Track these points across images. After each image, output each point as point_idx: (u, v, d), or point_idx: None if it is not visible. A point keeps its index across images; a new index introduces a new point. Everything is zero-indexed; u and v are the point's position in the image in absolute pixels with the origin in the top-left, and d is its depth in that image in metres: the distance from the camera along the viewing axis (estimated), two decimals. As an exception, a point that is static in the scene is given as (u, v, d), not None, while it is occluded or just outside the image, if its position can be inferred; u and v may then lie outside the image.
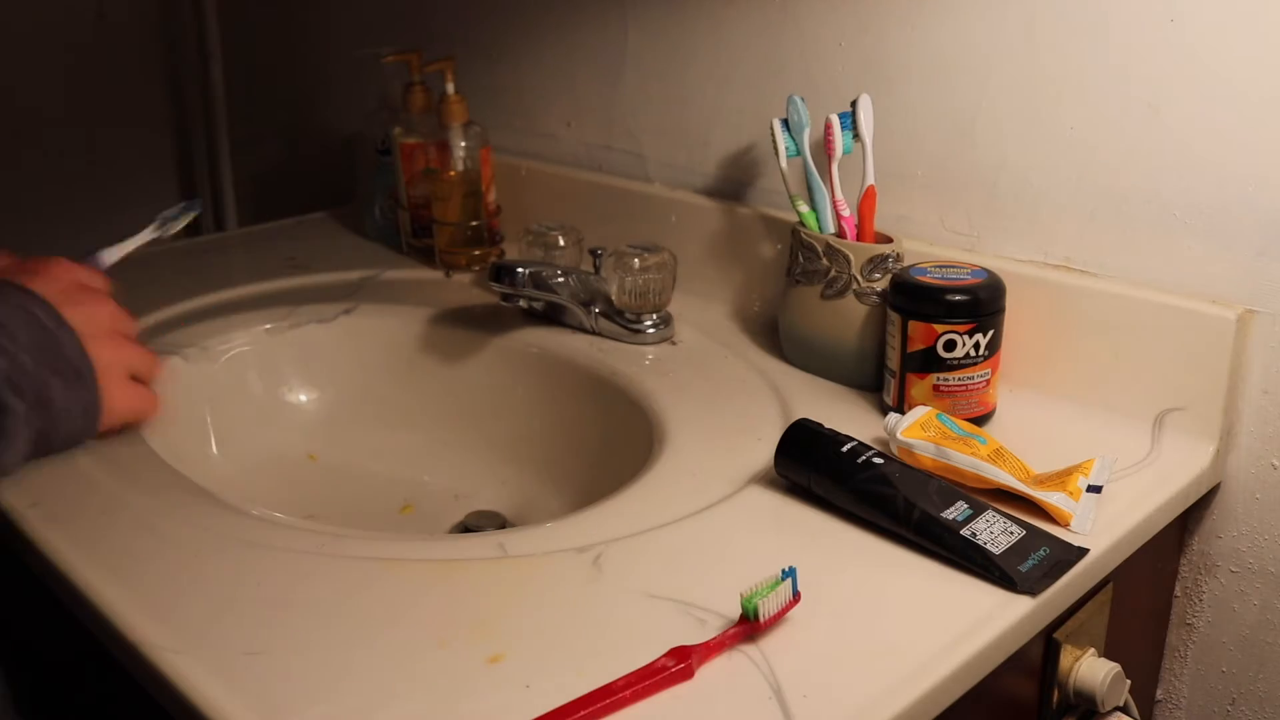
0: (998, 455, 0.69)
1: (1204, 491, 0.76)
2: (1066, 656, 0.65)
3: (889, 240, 0.84)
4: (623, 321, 0.94)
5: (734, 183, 1.02)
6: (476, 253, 1.12)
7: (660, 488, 0.71)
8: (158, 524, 0.66)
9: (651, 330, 0.94)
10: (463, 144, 1.10)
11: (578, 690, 0.51)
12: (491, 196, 1.14)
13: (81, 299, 0.60)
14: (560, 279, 0.94)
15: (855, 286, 0.82)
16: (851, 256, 0.82)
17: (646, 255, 0.93)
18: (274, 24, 1.56)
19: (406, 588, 0.60)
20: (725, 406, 0.82)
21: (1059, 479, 0.68)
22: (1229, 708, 0.81)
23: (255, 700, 0.51)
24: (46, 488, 0.70)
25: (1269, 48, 0.68)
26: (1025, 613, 0.58)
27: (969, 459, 0.68)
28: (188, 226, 0.83)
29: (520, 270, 0.92)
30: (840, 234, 0.85)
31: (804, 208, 0.86)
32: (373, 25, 1.39)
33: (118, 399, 0.59)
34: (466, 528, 0.86)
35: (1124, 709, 0.68)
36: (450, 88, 1.10)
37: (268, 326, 0.99)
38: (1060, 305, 0.80)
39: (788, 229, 0.89)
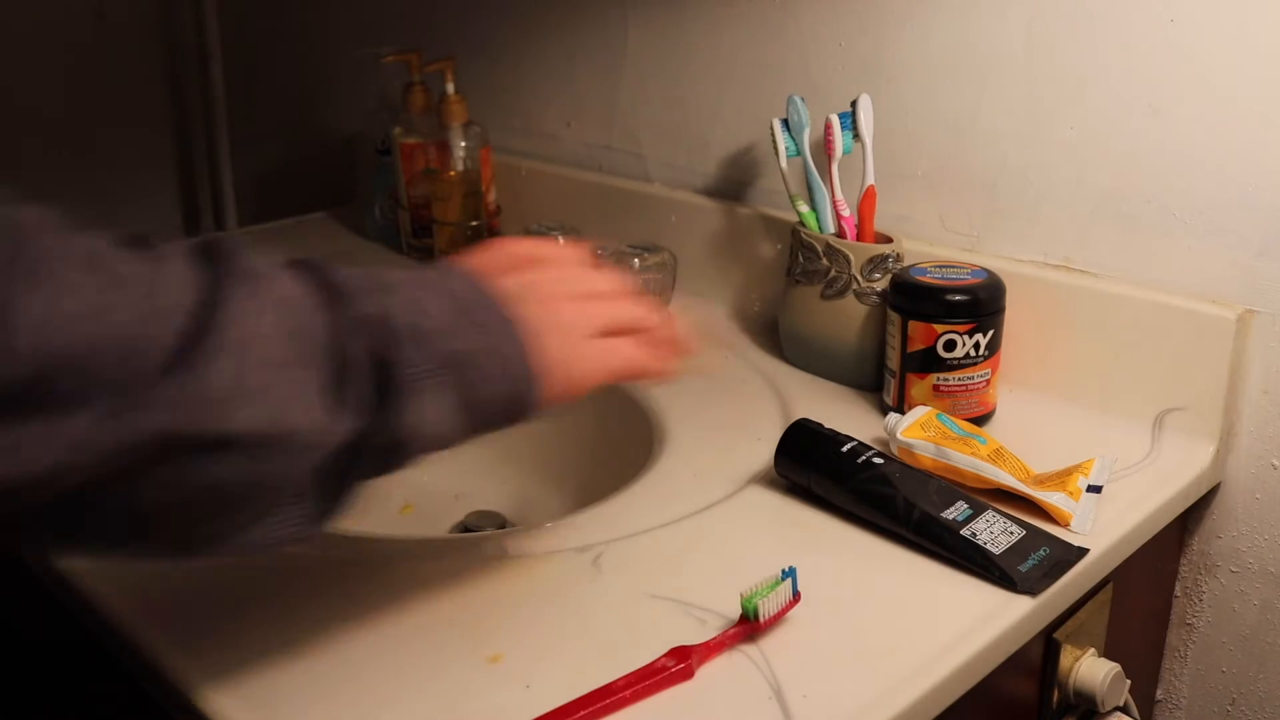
0: (998, 455, 0.69)
1: (1204, 491, 0.75)
2: (1066, 656, 0.65)
3: (889, 240, 0.84)
4: (623, 321, 0.94)
5: (734, 183, 1.02)
6: (476, 253, 1.11)
7: (660, 488, 0.71)
8: (158, 524, 0.66)
9: (651, 330, 0.94)
10: (463, 144, 1.10)
11: (578, 690, 0.51)
12: (491, 196, 1.14)
13: (529, 271, 0.53)
14: (560, 279, 0.94)
15: (855, 286, 0.82)
16: (851, 256, 0.82)
17: (646, 255, 0.93)
18: (274, 24, 1.56)
19: (406, 588, 0.60)
20: (725, 406, 0.82)
21: (1059, 479, 0.68)
22: (1229, 708, 0.81)
23: (256, 701, 0.51)
24: (46, 488, 0.70)
25: (1268, 48, 0.68)
26: (1025, 613, 0.58)
27: (969, 459, 0.68)
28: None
29: (520, 270, 0.92)
30: (840, 234, 0.85)
31: (804, 208, 0.86)
32: (373, 25, 1.39)
33: (571, 357, 0.50)
34: (466, 528, 0.86)
35: (1124, 709, 0.68)
36: (450, 88, 1.10)
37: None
38: (1060, 305, 0.80)
39: (788, 229, 0.89)
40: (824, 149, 0.84)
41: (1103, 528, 0.65)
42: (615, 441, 0.85)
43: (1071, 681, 0.66)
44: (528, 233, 1.04)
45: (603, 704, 0.50)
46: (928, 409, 0.74)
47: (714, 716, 0.50)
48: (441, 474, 0.94)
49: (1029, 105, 0.80)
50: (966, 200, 0.85)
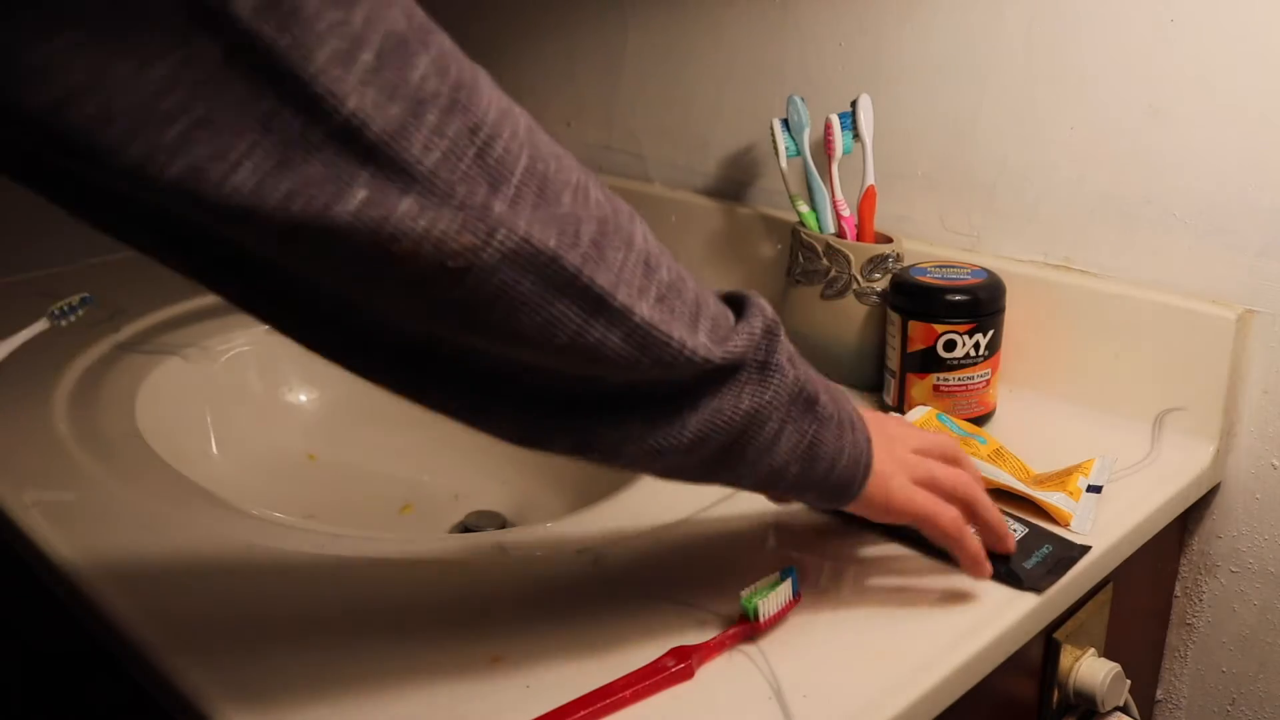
0: (998, 455, 0.69)
1: (1204, 491, 0.75)
2: (1066, 656, 0.65)
3: (889, 240, 0.84)
4: (623, 321, 0.94)
5: (734, 183, 1.02)
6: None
7: (660, 488, 0.71)
8: (158, 524, 0.66)
9: (651, 330, 0.94)
10: (463, 144, 1.10)
11: (578, 690, 0.51)
12: (491, 196, 1.13)
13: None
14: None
15: (855, 286, 0.82)
16: (851, 256, 0.82)
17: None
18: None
19: (407, 588, 0.60)
20: (725, 406, 0.82)
21: (1059, 479, 0.68)
22: (1229, 708, 0.81)
23: (255, 700, 0.51)
24: (46, 488, 0.70)
25: (1269, 48, 0.68)
26: (1025, 613, 0.58)
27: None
28: None
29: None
30: (840, 234, 0.85)
31: (804, 208, 0.86)
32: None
33: (895, 487, 0.55)
34: (466, 528, 0.86)
35: (1124, 709, 0.68)
36: (450, 88, 1.10)
37: (268, 326, 0.98)
38: (1060, 305, 0.80)
39: (788, 229, 0.89)
40: (824, 149, 0.84)
41: (1103, 528, 0.65)
42: (615, 441, 0.85)
43: (1071, 681, 0.66)
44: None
45: (603, 704, 0.50)
46: (928, 409, 0.74)
47: (714, 716, 0.50)
48: (441, 474, 0.94)
49: (1029, 105, 0.80)
50: (966, 200, 0.85)
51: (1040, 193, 0.81)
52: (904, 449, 0.57)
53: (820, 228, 0.85)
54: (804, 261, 0.85)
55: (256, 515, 0.69)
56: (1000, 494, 0.67)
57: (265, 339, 0.98)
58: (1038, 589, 0.59)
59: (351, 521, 0.82)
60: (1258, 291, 0.73)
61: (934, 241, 0.88)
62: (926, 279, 0.77)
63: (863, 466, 0.54)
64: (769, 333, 0.49)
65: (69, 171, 0.37)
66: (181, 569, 0.62)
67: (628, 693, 0.51)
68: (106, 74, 0.32)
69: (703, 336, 0.46)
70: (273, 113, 0.34)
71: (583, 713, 0.49)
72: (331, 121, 0.35)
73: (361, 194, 0.36)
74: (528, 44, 1.16)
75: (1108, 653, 0.69)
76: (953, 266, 0.79)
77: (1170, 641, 0.83)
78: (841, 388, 0.55)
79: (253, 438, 0.94)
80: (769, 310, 0.50)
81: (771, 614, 0.55)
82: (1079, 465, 0.69)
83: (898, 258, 0.82)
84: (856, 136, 0.84)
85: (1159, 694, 0.84)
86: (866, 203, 0.84)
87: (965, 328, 0.75)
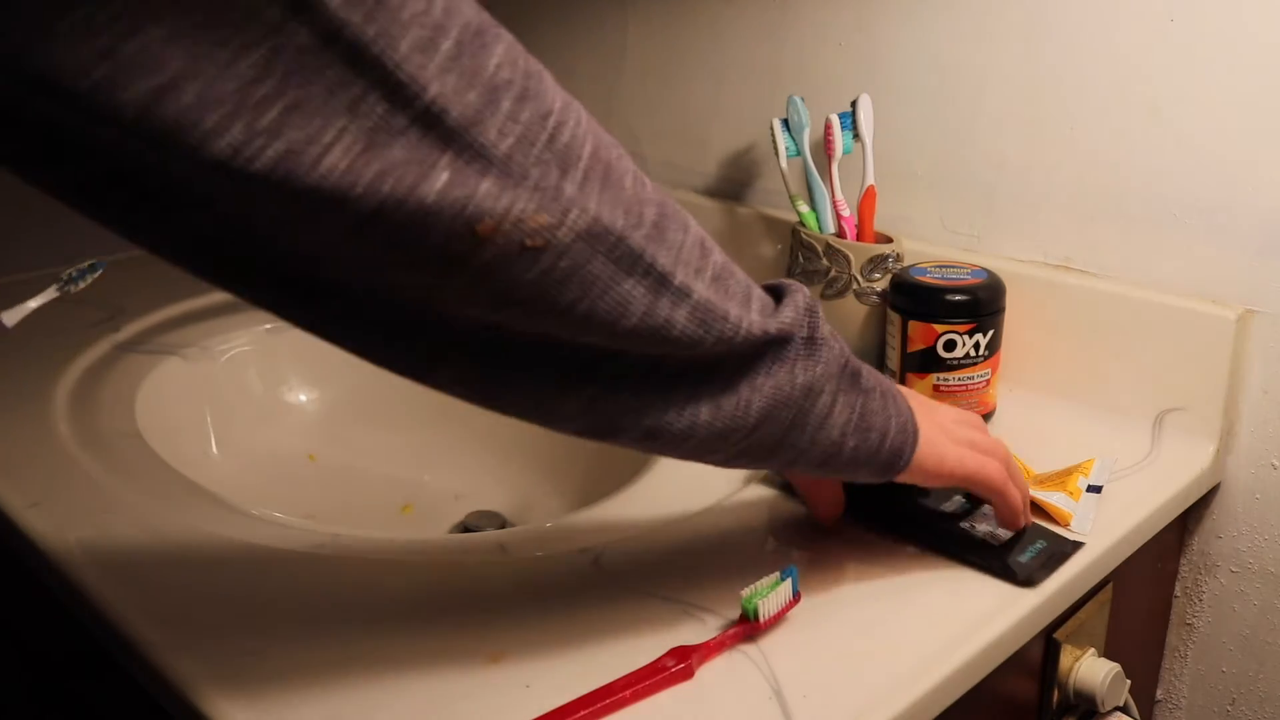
0: (998, 455, 0.69)
1: (1204, 491, 0.76)
2: (1066, 656, 0.65)
3: (889, 240, 0.84)
4: (623, 321, 0.94)
5: (734, 183, 1.02)
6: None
7: (660, 488, 0.71)
8: (158, 524, 0.66)
9: (651, 330, 0.94)
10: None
11: (578, 690, 0.51)
12: (491, 196, 1.13)
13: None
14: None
15: (855, 286, 0.82)
16: (851, 256, 0.82)
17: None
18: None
19: (406, 588, 0.60)
20: (725, 406, 0.82)
21: (1059, 479, 0.68)
22: (1229, 708, 0.81)
23: (255, 700, 0.51)
24: (46, 488, 0.70)
25: (1269, 47, 0.68)
26: (1025, 612, 0.58)
27: (969, 459, 0.68)
28: None
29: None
30: (840, 234, 0.85)
31: (804, 208, 0.86)
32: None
33: (945, 451, 0.57)
34: (466, 528, 0.86)
35: (1124, 709, 0.68)
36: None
37: (268, 326, 0.98)
38: (1060, 305, 0.80)
39: (788, 229, 0.89)
40: (824, 149, 0.84)
41: (1103, 528, 0.65)
42: (615, 441, 0.85)
43: (1071, 681, 0.66)
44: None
45: (603, 704, 0.50)
46: (928, 409, 0.74)
47: (714, 716, 0.50)
48: (441, 474, 0.94)
49: (1029, 105, 0.80)
50: (966, 200, 0.85)
51: (1040, 193, 0.81)
52: (940, 416, 0.59)
53: (820, 228, 0.85)
54: (804, 261, 0.85)
55: (256, 515, 0.69)
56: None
57: (265, 339, 0.98)
58: (1033, 583, 0.59)
59: (351, 521, 0.82)
60: (1258, 291, 0.73)
61: (934, 241, 0.88)
62: (926, 279, 0.77)
63: (911, 435, 0.56)
64: (810, 310, 0.51)
65: (140, 189, 0.38)
66: (182, 569, 0.62)
67: (628, 693, 0.51)
68: (203, 62, 0.34)
69: (755, 314, 0.48)
70: (360, 99, 0.36)
71: (583, 713, 0.49)
72: (415, 107, 0.37)
73: (444, 176, 0.38)
74: (527, 43, 1.16)
75: (1108, 653, 0.69)
76: (953, 266, 0.79)
77: (1170, 641, 0.83)
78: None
79: (253, 438, 0.94)
80: (806, 291, 0.52)
81: (771, 614, 0.55)
82: (1079, 465, 0.69)
83: (898, 258, 0.82)
84: (856, 136, 0.84)
85: (1159, 694, 0.84)
86: (866, 203, 0.84)
87: (965, 328, 0.75)
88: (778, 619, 0.56)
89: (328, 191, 0.36)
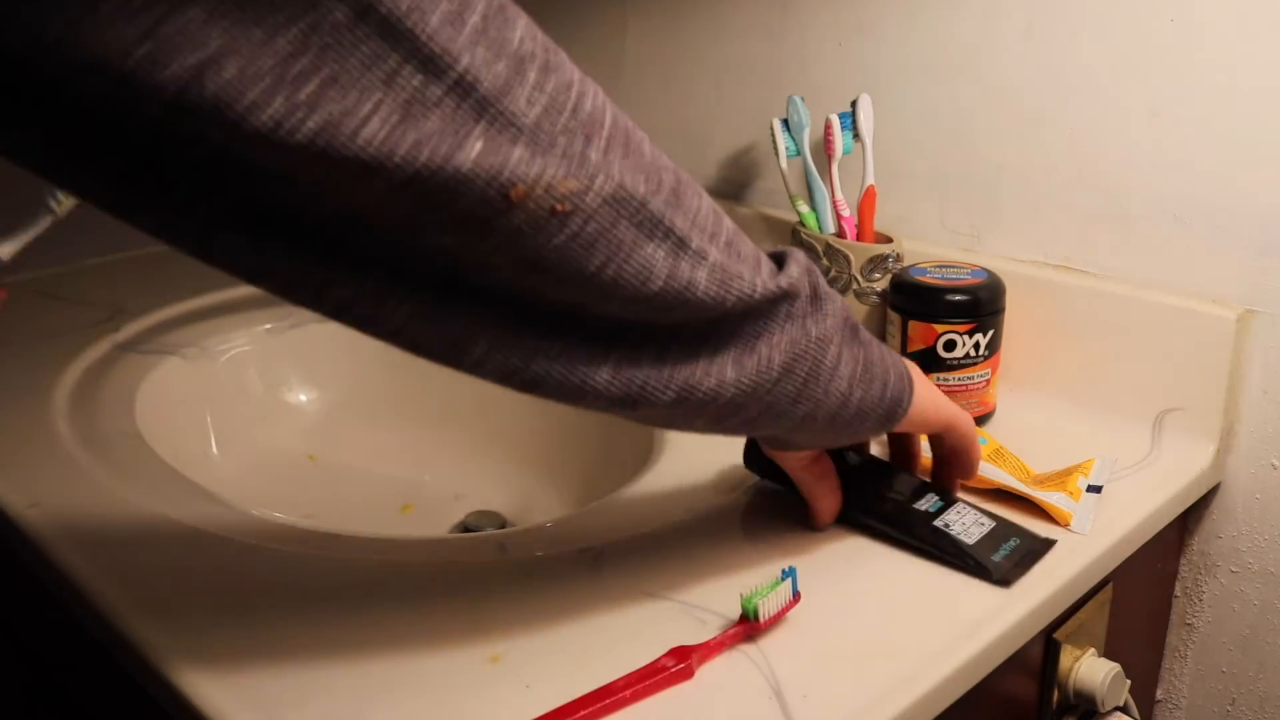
0: (998, 455, 0.69)
1: (1204, 491, 0.76)
2: (1066, 656, 0.65)
3: (889, 240, 0.84)
4: (623, 321, 0.94)
5: (734, 183, 1.02)
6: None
7: (660, 488, 0.71)
8: (157, 524, 0.66)
9: (651, 330, 0.94)
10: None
11: (578, 690, 0.51)
12: (491, 196, 1.13)
13: None
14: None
15: (855, 286, 0.82)
16: (851, 256, 0.82)
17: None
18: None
19: (406, 588, 0.60)
20: (725, 406, 0.82)
21: (1059, 479, 0.68)
22: (1229, 708, 0.81)
23: (254, 700, 0.51)
24: (46, 488, 0.70)
25: (1269, 47, 0.68)
26: (1025, 612, 0.58)
27: (969, 459, 0.68)
28: None
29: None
30: (840, 234, 0.85)
31: (804, 208, 0.86)
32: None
33: (935, 396, 0.61)
34: (466, 528, 0.86)
35: (1124, 709, 0.68)
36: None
37: (268, 326, 0.99)
38: (1060, 305, 0.80)
39: (788, 229, 0.89)
40: (824, 149, 0.84)
41: (1103, 528, 0.65)
42: (615, 441, 0.85)
43: (1071, 681, 0.66)
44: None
45: (603, 704, 0.50)
46: (928, 409, 0.74)
47: (714, 716, 0.50)
48: (441, 474, 0.94)
49: (1029, 105, 0.80)
50: (966, 200, 0.85)
51: (1040, 193, 0.81)
52: (914, 368, 0.62)
53: (820, 228, 0.85)
54: (804, 261, 0.85)
55: (256, 515, 0.69)
56: (1000, 494, 0.67)
57: (265, 339, 0.98)
58: (1007, 581, 0.59)
59: (351, 521, 0.82)
60: (1258, 291, 0.73)
61: (934, 241, 0.88)
62: (926, 279, 0.77)
63: (907, 383, 0.58)
64: (810, 270, 0.53)
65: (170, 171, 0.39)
66: (182, 569, 0.62)
67: (628, 693, 0.51)
68: (241, 40, 0.35)
69: (765, 275, 0.50)
70: (395, 71, 0.37)
71: (583, 713, 0.49)
72: (447, 77, 0.38)
73: (478, 145, 0.39)
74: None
75: (1108, 653, 0.69)
76: (953, 266, 0.79)
77: (1170, 641, 0.83)
78: None
79: (253, 438, 0.94)
80: (802, 253, 0.54)
81: (771, 614, 0.55)
82: (1079, 465, 0.69)
83: (898, 258, 0.82)
84: (856, 136, 0.84)
85: (1159, 694, 0.84)
86: (866, 203, 0.84)
87: (965, 328, 0.75)
88: (778, 619, 0.56)
89: (369, 161, 0.37)
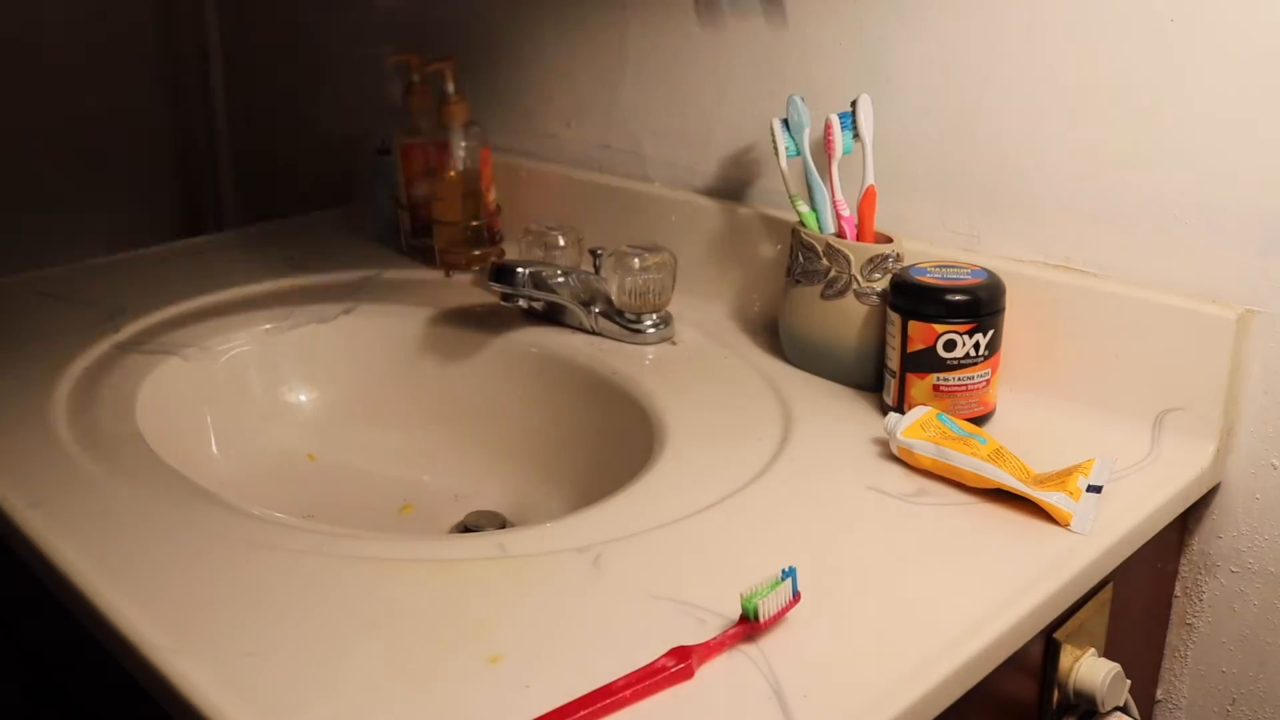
0: (998, 455, 0.69)
1: (1204, 491, 0.75)
2: (1066, 656, 0.65)
3: (889, 240, 0.84)
4: (623, 321, 0.94)
5: (734, 183, 1.02)
6: (476, 253, 1.12)
7: (660, 488, 0.71)
8: (157, 524, 0.66)
9: (651, 330, 0.94)
10: (463, 144, 1.10)
11: (578, 690, 0.51)
12: (491, 196, 1.14)
13: None
14: (560, 279, 0.94)
15: (855, 286, 0.82)
16: (851, 256, 0.82)
17: (646, 255, 0.93)
18: (274, 24, 1.56)
19: (406, 588, 0.60)
20: (725, 406, 0.82)
21: (1059, 479, 0.68)
22: (1229, 708, 0.81)
23: (255, 700, 0.51)
24: (46, 488, 0.70)
25: (1269, 47, 0.68)
26: (1025, 612, 0.58)
27: (969, 459, 0.68)
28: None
29: (520, 270, 0.92)
30: (840, 234, 0.85)
31: (804, 208, 0.86)
32: (373, 25, 1.39)
33: None
34: (466, 528, 0.86)
35: (1124, 709, 0.68)
36: (450, 88, 1.10)
37: (268, 326, 0.99)
38: (1060, 305, 0.80)
39: (788, 229, 0.89)
40: (824, 149, 0.84)
41: (1103, 528, 0.65)
42: (615, 441, 0.85)
43: (1071, 681, 0.66)
44: (527, 232, 1.04)
45: (603, 704, 0.50)
46: (928, 409, 0.74)
47: (714, 716, 0.50)
48: (441, 474, 0.94)
49: (1029, 105, 0.80)
50: (966, 200, 0.85)
51: (1040, 193, 0.81)
52: None
53: (820, 228, 0.85)
54: (804, 261, 0.85)
55: (256, 515, 0.69)
56: (1000, 494, 0.67)
57: (265, 339, 0.98)
58: None
59: (351, 521, 0.82)
60: (1258, 291, 0.73)
61: (934, 241, 0.88)
62: (926, 279, 0.77)
63: None
64: None
65: None
66: (181, 569, 0.62)
67: (628, 693, 0.51)
68: None
69: None
70: None
71: (583, 713, 0.49)
72: None
73: None
74: (528, 43, 1.16)
75: (1108, 653, 0.69)
76: (953, 266, 0.79)
77: (1170, 641, 0.83)
78: None
79: (253, 438, 0.94)
80: None
81: (771, 614, 0.55)
82: (1079, 465, 0.69)
83: (898, 258, 0.82)
84: (856, 136, 0.84)
85: (1159, 694, 0.84)
86: (866, 203, 0.84)
87: (965, 328, 0.75)
88: (778, 619, 0.56)
89: None
